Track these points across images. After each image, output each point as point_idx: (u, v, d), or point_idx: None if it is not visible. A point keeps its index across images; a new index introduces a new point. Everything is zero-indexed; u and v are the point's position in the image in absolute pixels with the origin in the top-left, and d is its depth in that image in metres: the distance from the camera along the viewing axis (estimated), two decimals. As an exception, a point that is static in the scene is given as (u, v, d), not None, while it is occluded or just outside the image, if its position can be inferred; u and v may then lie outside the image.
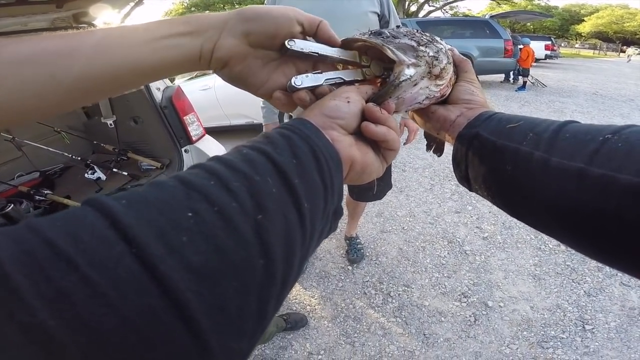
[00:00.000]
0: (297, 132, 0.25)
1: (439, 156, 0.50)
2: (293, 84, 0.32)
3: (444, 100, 0.40)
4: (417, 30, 0.37)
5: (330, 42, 0.34)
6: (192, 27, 0.29)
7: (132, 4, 1.62)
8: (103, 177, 1.94)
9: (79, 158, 2.02)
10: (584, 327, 1.57)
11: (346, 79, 0.34)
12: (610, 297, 1.72)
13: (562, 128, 0.29)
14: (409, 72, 0.32)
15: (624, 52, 22.73)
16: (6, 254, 0.13)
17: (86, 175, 1.95)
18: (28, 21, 1.47)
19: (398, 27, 0.39)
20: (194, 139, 1.81)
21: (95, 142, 2.24)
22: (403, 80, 0.32)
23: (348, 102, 0.29)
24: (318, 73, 0.33)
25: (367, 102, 0.31)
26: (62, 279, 0.13)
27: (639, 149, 0.23)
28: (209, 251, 0.16)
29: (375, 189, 1.80)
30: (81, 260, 0.13)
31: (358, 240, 2.09)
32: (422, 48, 0.34)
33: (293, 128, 0.25)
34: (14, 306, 0.12)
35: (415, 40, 0.34)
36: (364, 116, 0.30)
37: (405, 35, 0.34)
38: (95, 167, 1.97)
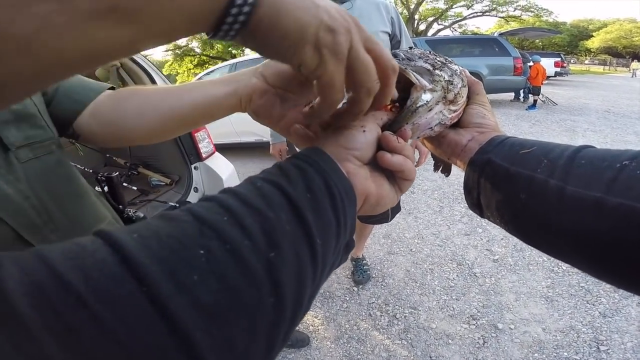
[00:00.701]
0: (312, 164, 0.24)
1: (447, 176, 0.49)
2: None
3: (455, 124, 0.39)
4: (430, 52, 0.36)
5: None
6: (228, 77, 0.39)
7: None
8: (123, 198, 1.97)
9: (91, 170, 2.07)
10: (598, 347, 1.51)
11: None
12: (626, 317, 1.65)
13: (577, 154, 0.28)
14: (426, 97, 0.31)
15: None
16: (15, 284, 0.13)
17: (97, 188, 1.99)
18: None
19: (410, 48, 0.38)
20: (204, 156, 1.84)
21: (107, 155, 2.30)
22: (420, 106, 0.31)
23: (364, 131, 0.28)
24: None
25: (382, 129, 0.30)
26: (71, 315, 0.13)
27: None
28: (220, 290, 0.16)
29: (390, 217, 1.78)
30: (91, 296, 0.14)
31: (364, 262, 2.06)
32: (437, 72, 0.33)
33: (308, 159, 0.25)
34: (21, 338, 0.12)
35: (430, 64, 0.33)
36: (380, 145, 0.29)
37: (420, 58, 0.34)
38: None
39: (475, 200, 0.35)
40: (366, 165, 0.29)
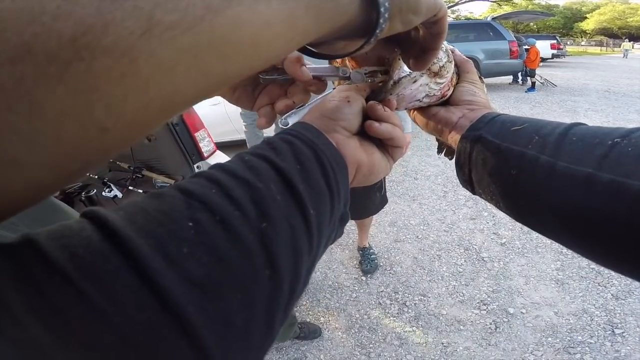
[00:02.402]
0: (300, 137, 0.24)
1: (450, 159, 0.50)
2: (281, 125, 0.32)
3: (446, 102, 0.39)
4: None
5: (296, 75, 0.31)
6: None
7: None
8: (120, 194, 1.98)
9: (97, 176, 2.08)
10: (613, 331, 1.51)
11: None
12: None
13: (569, 131, 0.28)
14: (408, 68, 0.32)
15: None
16: None
17: (104, 193, 1.99)
18: None
19: None
20: (205, 155, 1.84)
21: (111, 160, 2.30)
22: (403, 77, 0.31)
23: (348, 101, 0.29)
24: (300, 107, 0.33)
25: (366, 100, 0.31)
26: (56, 294, 0.12)
27: None
28: (211, 263, 0.16)
29: (383, 188, 1.81)
30: (76, 274, 0.13)
31: (372, 251, 2.07)
32: None
33: (296, 133, 0.25)
34: (4, 322, 0.11)
35: None
36: (366, 115, 0.30)
37: None
38: (112, 185, 2.02)
39: (467, 176, 0.35)
40: (355, 135, 0.29)
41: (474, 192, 0.36)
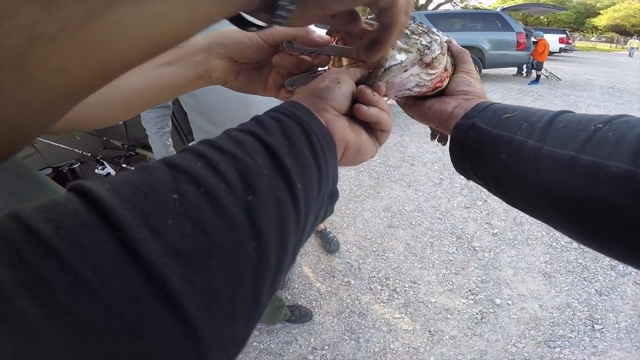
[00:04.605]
0: (289, 114, 0.24)
1: (443, 145, 0.51)
2: (287, 85, 0.36)
3: (441, 92, 0.40)
4: (415, 22, 0.37)
5: (317, 44, 0.35)
6: (175, 56, 0.36)
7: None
8: (113, 172, 1.98)
9: (90, 154, 2.06)
10: (593, 326, 1.54)
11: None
12: (622, 296, 1.68)
13: (556, 118, 0.29)
14: (400, 57, 0.32)
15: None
16: None
17: (97, 170, 1.99)
18: None
19: (413, 19, 0.39)
20: (200, 133, 1.82)
21: (105, 138, 2.28)
22: (393, 65, 0.32)
23: (338, 82, 0.29)
24: (312, 74, 0.36)
25: (357, 84, 0.31)
26: (41, 266, 0.12)
27: (628, 137, 0.24)
28: (196, 234, 0.16)
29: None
30: (61, 246, 0.13)
31: (327, 231, 2.14)
32: (415, 36, 0.34)
33: (284, 111, 0.25)
34: None
35: (409, 29, 0.34)
36: (355, 98, 0.30)
37: None
38: (105, 162, 2.01)
39: (460, 162, 0.36)
40: (344, 116, 0.29)
41: (468, 177, 0.37)
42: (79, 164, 1.59)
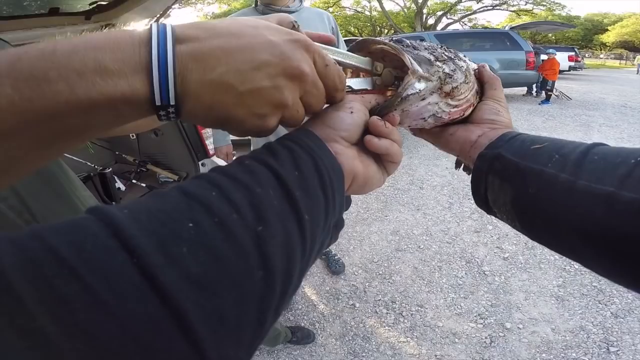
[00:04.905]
0: (300, 143, 0.25)
1: (468, 174, 0.49)
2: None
3: (466, 119, 0.38)
4: (441, 46, 0.36)
5: (330, 42, 0.33)
6: None
7: (157, 16, 1.69)
8: (122, 187, 2.01)
9: (101, 168, 2.10)
10: (608, 348, 1.48)
11: (355, 88, 0.33)
12: (639, 318, 1.61)
13: (591, 150, 0.27)
14: (419, 86, 0.31)
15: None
16: (10, 260, 0.13)
17: (99, 190, 2.01)
18: (58, 32, 1.56)
19: (422, 39, 0.38)
20: (211, 152, 1.85)
21: (117, 152, 2.33)
22: (411, 94, 0.30)
23: (351, 112, 0.29)
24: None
25: (370, 112, 0.31)
26: (64, 287, 0.13)
27: None
28: (209, 262, 0.16)
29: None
30: (83, 268, 0.14)
31: (333, 253, 2.11)
32: (438, 63, 0.32)
33: (295, 139, 0.25)
34: (15, 311, 0.12)
35: (434, 55, 0.33)
36: (367, 128, 0.30)
37: (426, 49, 0.33)
38: (115, 177, 2.04)
39: (483, 196, 0.34)
40: (354, 146, 0.29)
41: (489, 212, 0.35)
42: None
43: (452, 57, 0.35)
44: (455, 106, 0.34)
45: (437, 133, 0.39)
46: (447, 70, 0.33)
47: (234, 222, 0.18)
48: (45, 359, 0.12)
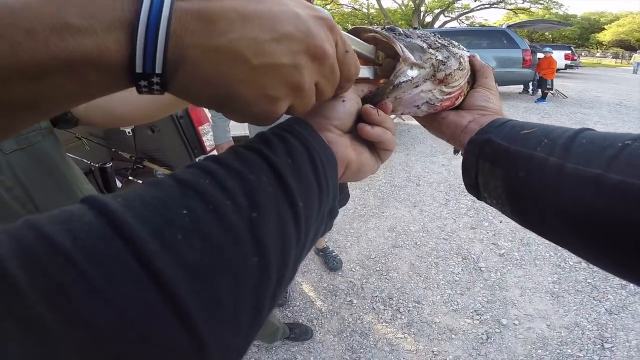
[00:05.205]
0: (293, 132, 0.25)
1: None
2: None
3: (457, 107, 0.38)
4: (435, 35, 0.35)
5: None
6: None
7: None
8: (119, 184, 1.99)
9: (97, 165, 2.09)
10: (602, 345, 1.50)
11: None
12: (633, 314, 1.64)
13: (578, 134, 0.28)
14: (411, 73, 0.31)
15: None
16: (5, 250, 0.13)
17: (100, 184, 2.00)
18: None
19: (415, 28, 0.38)
20: (208, 149, 1.84)
21: (113, 149, 2.32)
22: (404, 81, 0.30)
23: (343, 101, 0.29)
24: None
25: (363, 100, 0.31)
26: (60, 274, 0.13)
27: None
28: (204, 248, 0.16)
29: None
30: (79, 256, 0.14)
31: (330, 250, 2.12)
32: (431, 51, 0.32)
33: (288, 128, 0.25)
34: (12, 300, 0.12)
35: (427, 43, 0.33)
36: (360, 116, 0.30)
37: (418, 37, 0.33)
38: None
39: (473, 180, 0.34)
40: (347, 134, 0.29)
41: (479, 197, 0.35)
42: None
43: (446, 44, 0.35)
44: (449, 93, 0.34)
45: (429, 117, 0.40)
46: (440, 58, 0.32)
47: (228, 209, 0.18)
48: (43, 347, 0.12)
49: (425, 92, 0.33)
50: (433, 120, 0.39)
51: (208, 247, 0.17)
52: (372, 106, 0.30)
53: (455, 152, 0.48)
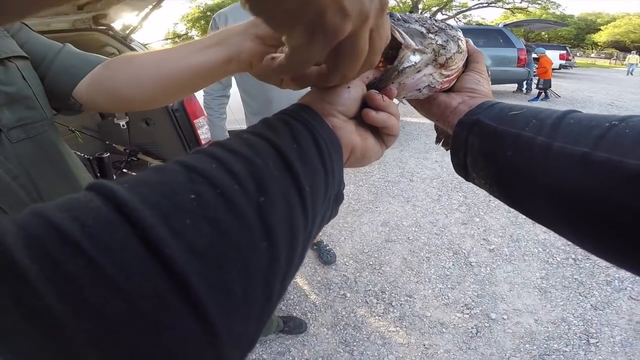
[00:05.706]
0: (298, 118, 0.25)
1: (446, 150, 0.47)
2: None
3: (449, 89, 0.39)
4: (431, 18, 0.36)
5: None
6: (217, 39, 0.38)
7: (150, 6, 1.67)
8: (113, 177, 1.99)
9: (91, 157, 2.08)
10: (588, 340, 1.54)
11: None
12: (617, 311, 1.68)
13: (567, 115, 0.28)
14: (414, 58, 0.31)
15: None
16: (13, 239, 0.13)
17: (97, 174, 1.99)
18: (51, 22, 1.53)
19: (411, 12, 0.38)
20: (203, 142, 1.84)
21: (107, 142, 2.30)
22: (407, 67, 0.31)
23: (348, 87, 0.29)
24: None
25: (367, 86, 0.31)
26: (68, 263, 0.13)
27: None
28: (213, 234, 0.16)
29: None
30: (88, 244, 0.13)
31: (324, 244, 2.14)
32: (431, 35, 0.32)
33: (293, 114, 0.25)
34: (21, 291, 0.12)
35: (425, 27, 0.33)
36: (365, 102, 0.30)
37: (416, 21, 0.33)
38: (106, 167, 2.02)
39: (462, 161, 0.35)
40: (351, 120, 0.29)
41: (467, 177, 0.36)
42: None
43: (444, 27, 0.35)
44: (448, 76, 0.35)
45: (421, 99, 0.40)
46: (440, 42, 0.33)
47: (236, 193, 0.18)
48: (52, 338, 0.12)
49: (427, 75, 0.33)
50: (424, 102, 0.39)
51: (217, 232, 0.16)
52: (377, 92, 0.30)
53: (437, 141, 0.48)
